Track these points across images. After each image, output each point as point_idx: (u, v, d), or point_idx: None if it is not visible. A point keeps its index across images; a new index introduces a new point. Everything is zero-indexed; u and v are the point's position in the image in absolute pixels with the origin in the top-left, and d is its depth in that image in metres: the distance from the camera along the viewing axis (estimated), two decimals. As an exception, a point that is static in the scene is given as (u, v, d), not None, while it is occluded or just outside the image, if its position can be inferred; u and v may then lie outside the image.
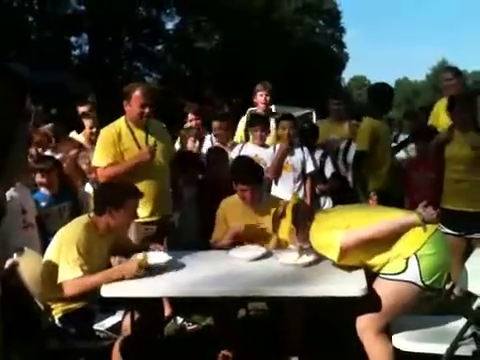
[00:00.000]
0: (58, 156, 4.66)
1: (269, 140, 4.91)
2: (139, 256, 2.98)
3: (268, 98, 5.24)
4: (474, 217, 3.97)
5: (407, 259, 2.69)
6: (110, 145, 3.75)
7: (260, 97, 5.25)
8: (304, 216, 2.99)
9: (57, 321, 2.92)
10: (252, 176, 3.58)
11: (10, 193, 3.46)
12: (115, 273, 2.90)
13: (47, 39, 20.22)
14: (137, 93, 3.74)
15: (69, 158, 4.49)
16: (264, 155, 4.65)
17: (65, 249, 2.92)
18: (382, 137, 4.59)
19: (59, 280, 2.89)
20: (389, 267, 2.74)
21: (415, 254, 2.68)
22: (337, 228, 2.79)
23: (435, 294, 2.90)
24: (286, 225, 3.01)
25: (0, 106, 1.31)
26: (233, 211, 3.64)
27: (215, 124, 5.07)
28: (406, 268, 2.68)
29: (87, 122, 5.05)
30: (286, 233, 3.04)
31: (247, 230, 3.53)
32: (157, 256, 3.15)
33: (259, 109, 5.31)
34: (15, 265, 2.90)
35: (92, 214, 3.17)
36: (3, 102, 1.31)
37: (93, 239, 3.02)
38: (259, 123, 4.70)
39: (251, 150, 4.62)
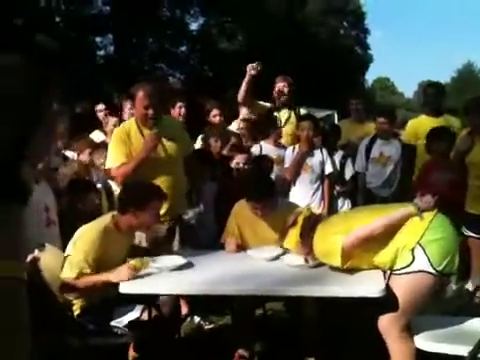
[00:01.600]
0: (69, 153, 4.72)
1: (285, 139, 4.92)
2: (132, 261, 2.93)
3: (286, 90, 5.09)
4: None
5: (412, 250, 2.66)
6: (121, 143, 3.71)
7: (278, 88, 5.11)
8: (311, 228, 2.95)
9: (76, 317, 2.97)
10: (261, 194, 3.46)
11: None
12: (108, 277, 2.90)
13: (73, 39, 20.49)
14: (140, 94, 3.65)
15: (81, 160, 4.52)
16: (284, 155, 4.66)
17: (77, 248, 2.97)
18: None
19: (61, 276, 2.94)
20: (398, 263, 2.72)
21: (419, 243, 2.65)
22: (338, 233, 2.77)
23: (458, 291, 2.86)
24: (295, 234, 2.99)
25: (21, 82, 1.28)
26: (245, 218, 3.57)
27: (240, 124, 5.08)
28: (414, 259, 2.65)
29: (112, 120, 5.10)
30: (293, 243, 3.01)
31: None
32: (169, 260, 3.16)
33: (278, 102, 5.15)
34: (36, 260, 2.96)
35: (115, 213, 3.20)
36: (26, 78, 1.29)
37: (112, 239, 3.05)
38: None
39: (270, 150, 4.63)
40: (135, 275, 2.89)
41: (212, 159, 4.45)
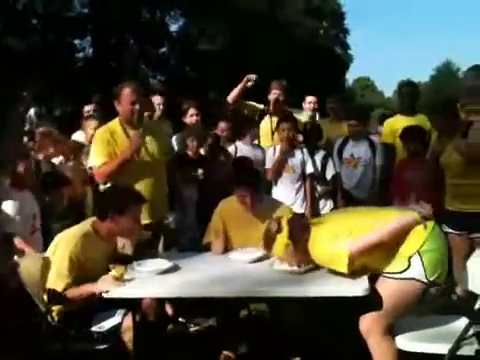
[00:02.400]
0: (56, 160, 4.66)
1: (267, 141, 4.92)
2: (113, 271, 2.90)
3: (282, 98, 5.04)
4: (476, 216, 3.95)
5: (410, 257, 2.68)
6: (105, 144, 3.71)
7: (273, 96, 5.06)
8: (301, 229, 2.91)
9: (57, 322, 2.92)
10: (251, 180, 3.51)
11: (23, 199, 3.54)
12: (93, 289, 2.88)
13: (51, 41, 20.28)
14: (126, 91, 3.72)
15: (71, 166, 4.47)
16: (260, 156, 4.66)
17: (59, 256, 2.93)
18: None
19: (47, 285, 2.90)
20: (391, 267, 2.72)
21: (418, 251, 2.67)
22: (339, 237, 2.74)
23: (436, 291, 2.88)
24: (282, 241, 2.93)
25: None
26: (231, 214, 3.57)
27: (222, 125, 5.06)
28: (409, 266, 2.67)
29: (92, 123, 5.05)
30: (282, 250, 2.95)
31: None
32: (154, 263, 3.14)
33: (272, 109, 5.08)
34: (15, 266, 2.91)
35: (94, 219, 3.15)
36: None
37: (93, 246, 3.01)
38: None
39: (247, 151, 4.63)
40: (119, 285, 2.86)
41: (190, 161, 4.43)
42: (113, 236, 3.15)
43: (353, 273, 2.76)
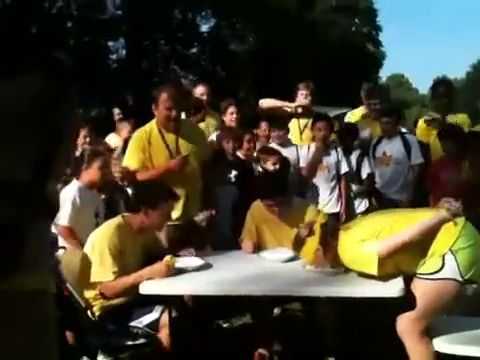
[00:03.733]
0: None
1: (296, 141, 4.91)
2: (167, 257, 3.01)
3: (309, 98, 5.10)
4: None
5: (443, 256, 2.64)
6: (140, 150, 3.77)
7: (300, 96, 5.13)
8: (332, 235, 2.89)
9: (97, 318, 2.99)
10: (275, 191, 3.45)
11: (83, 195, 3.64)
12: (145, 274, 2.96)
13: (85, 44, 20.67)
14: (164, 96, 3.72)
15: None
16: (294, 155, 4.64)
17: (98, 250, 3.00)
18: None
19: (93, 279, 2.98)
20: (425, 267, 2.69)
21: (450, 250, 2.63)
22: (367, 239, 2.72)
23: (474, 291, 2.83)
24: (312, 245, 2.93)
25: (41, 99, 1.32)
26: (262, 216, 3.58)
27: (263, 125, 5.08)
28: (443, 265, 2.63)
29: (126, 126, 5.13)
30: (311, 254, 2.95)
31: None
32: (188, 261, 3.20)
33: (300, 109, 5.14)
34: (58, 262, 3.00)
35: (126, 214, 3.24)
36: (46, 97, 1.33)
37: (126, 238, 3.08)
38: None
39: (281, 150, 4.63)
40: (171, 272, 2.94)
41: (225, 162, 4.46)
42: (144, 230, 3.20)
43: (386, 275, 2.73)
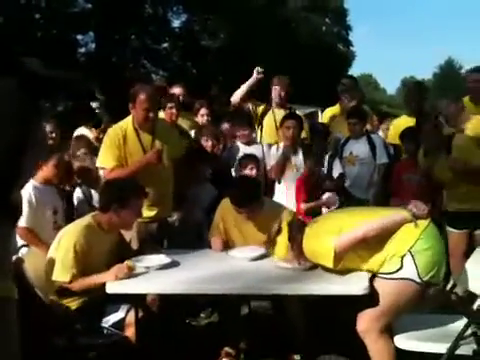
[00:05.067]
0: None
1: (272, 136, 4.93)
2: (127, 262, 2.98)
3: (283, 93, 5.09)
4: (473, 215, 4.01)
5: (402, 257, 2.69)
6: (115, 147, 3.73)
7: (274, 91, 5.10)
8: (298, 230, 2.95)
9: (64, 317, 2.96)
10: (245, 200, 3.41)
11: (40, 194, 3.55)
12: (102, 278, 2.93)
13: (53, 36, 20.28)
14: (142, 97, 3.70)
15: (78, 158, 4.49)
16: (260, 154, 4.66)
17: (63, 249, 2.97)
18: None
19: (53, 278, 2.95)
20: (385, 267, 2.74)
21: (409, 251, 2.68)
22: (329, 233, 2.78)
23: (435, 290, 2.91)
24: (283, 242, 2.99)
25: (11, 107, 1.30)
26: (230, 214, 3.55)
27: (225, 126, 5.06)
28: (402, 266, 2.69)
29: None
30: (284, 251, 3.01)
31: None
32: (155, 259, 3.18)
33: (274, 103, 5.15)
34: (21, 262, 2.95)
35: (95, 212, 3.21)
36: (15, 102, 1.31)
37: (94, 238, 3.05)
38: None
39: (245, 149, 4.64)
40: (129, 274, 2.92)
41: (205, 159, 4.44)
42: (114, 228, 3.18)
43: (349, 271, 2.80)
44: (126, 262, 2.97)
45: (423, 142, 4.27)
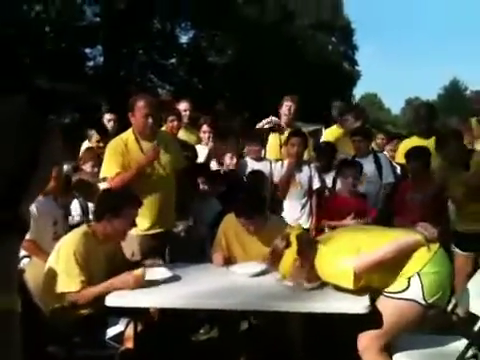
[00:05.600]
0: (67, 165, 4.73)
1: (274, 155, 4.96)
2: (138, 270, 3.01)
3: (293, 110, 5.25)
4: None
5: (409, 278, 2.70)
6: (118, 154, 3.76)
7: (285, 108, 5.25)
8: (309, 246, 2.90)
9: (63, 329, 2.94)
10: (253, 210, 3.46)
11: (41, 205, 3.58)
12: (113, 285, 2.94)
13: (62, 49, 20.49)
14: (140, 104, 3.76)
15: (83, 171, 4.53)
16: (267, 170, 4.69)
17: (64, 259, 2.96)
18: None
19: (58, 290, 2.94)
20: (392, 286, 2.75)
21: (418, 273, 2.69)
22: (346, 254, 2.76)
23: (437, 312, 2.89)
24: (290, 256, 2.88)
25: (22, 124, 1.33)
26: (233, 230, 3.58)
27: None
28: (408, 287, 2.69)
29: (95, 135, 5.14)
30: (289, 266, 2.90)
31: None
32: (156, 272, 3.18)
33: (283, 121, 5.31)
34: (21, 272, 2.95)
35: (91, 223, 3.22)
36: (26, 119, 1.34)
37: (91, 247, 3.05)
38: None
39: (253, 165, 4.66)
40: (139, 284, 2.94)
41: (204, 173, 4.47)
42: (108, 238, 3.18)
43: (357, 290, 2.77)
44: (136, 272, 2.97)
45: (444, 156, 4.22)
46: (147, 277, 3.08)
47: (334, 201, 4.52)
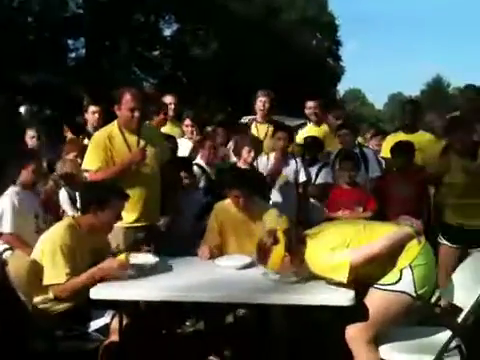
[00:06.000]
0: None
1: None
2: (121, 256, 2.98)
3: (267, 106, 5.24)
4: (473, 232, 4.01)
5: (402, 270, 2.73)
6: (101, 149, 3.72)
7: (259, 103, 5.25)
8: (297, 241, 2.88)
9: (46, 322, 2.91)
10: (244, 184, 3.56)
11: (21, 199, 3.56)
12: (97, 272, 2.91)
13: (45, 40, 20.21)
14: (127, 97, 3.72)
15: (62, 160, 4.48)
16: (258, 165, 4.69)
17: (49, 251, 2.92)
18: None
19: (45, 282, 2.90)
20: (384, 278, 2.77)
21: (410, 265, 2.72)
22: (337, 248, 2.76)
23: (423, 304, 2.92)
24: (279, 252, 2.86)
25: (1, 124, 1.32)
26: (226, 216, 3.64)
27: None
28: (400, 279, 2.72)
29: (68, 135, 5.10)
30: (278, 262, 2.87)
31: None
32: (142, 257, 3.16)
33: (258, 117, 5.31)
34: (4, 265, 2.91)
35: (76, 214, 3.19)
36: (5, 119, 1.33)
37: (76, 240, 3.02)
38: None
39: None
40: (125, 269, 2.91)
41: (185, 166, 4.45)
42: (94, 230, 3.14)
43: (346, 283, 2.77)
44: (119, 257, 2.95)
45: (450, 142, 4.19)
46: (134, 261, 3.05)
47: (337, 193, 4.54)
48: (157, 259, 3.15)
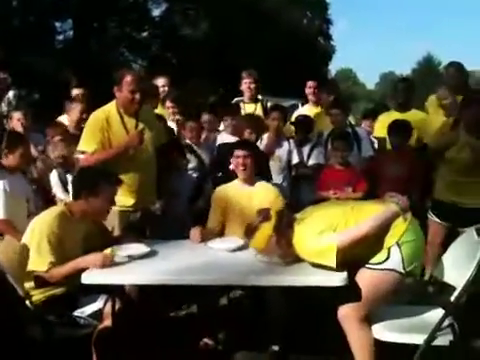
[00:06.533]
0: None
1: None
2: (107, 249, 2.95)
3: (253, 86, 5.25)
4: (468, 211, 3.97)
5: (389, 248, 2.74)
6: (98, 130, 3.68)
7: (245, 85, 5.29)
8: (287, 224, 2.87)
9: (37, 308, 2.90)
10: (247, 143, 3.71)
11: (12, 183, 3.52)
12: (81, 263, 2.88)
13: (31, 23, 19.87)
14: (128, 79, 3.70)
15: (53, 143, 4.42)
16: None
17: (36, 238, 2.90)
18: None
19: (28, 268, 2.89)
20: (372, 258, 2.77)
21: (397, 242, 2.73)
22: (324, 232, 2.75)
23: (412, 280, 2.93)
24: (266, 231, 2.86)
25: None
26: (227, 194, 3.65)
27: (205, 117, 5.04)
28: (388, 257, 2.73)
29: (78, 107, 4.97)
30: (263, 241, 2.87)
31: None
32: (132, 248, 3.14)
33: (245, 97, 5.34)
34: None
35: (68, 200, 3.16)
36: None
37: (67, 226, 2.99)
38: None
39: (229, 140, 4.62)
40: (109, 262, 2.88)
41: (179, 148, 4.43)
42: (86, 216, 3.12)
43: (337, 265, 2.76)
44: (105, 251, 2.92)
45: (462, 118, 4.08)
46: (124, 253, 3.03)
47: (328, 173, 4.53)
48: (148, 249, 3.12)
